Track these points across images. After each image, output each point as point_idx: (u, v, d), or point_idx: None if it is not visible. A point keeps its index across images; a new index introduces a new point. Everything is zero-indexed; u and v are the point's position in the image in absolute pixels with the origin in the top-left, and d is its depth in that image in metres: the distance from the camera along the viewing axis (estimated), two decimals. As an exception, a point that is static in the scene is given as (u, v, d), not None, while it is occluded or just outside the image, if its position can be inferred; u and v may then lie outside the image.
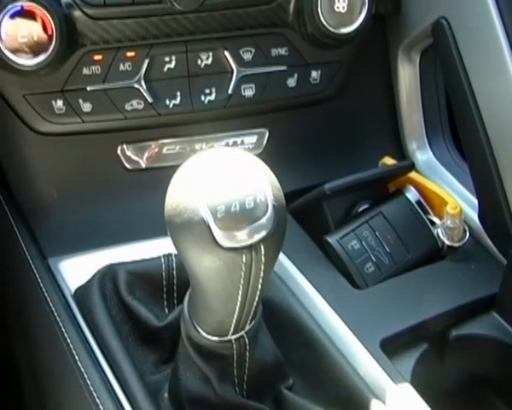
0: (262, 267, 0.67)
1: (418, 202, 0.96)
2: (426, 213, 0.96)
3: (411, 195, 0.96)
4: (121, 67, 0.94)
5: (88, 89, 0.94)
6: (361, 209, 0.96)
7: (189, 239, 0.65)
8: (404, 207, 0.95)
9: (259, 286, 0.68)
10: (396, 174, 0.97)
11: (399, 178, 0.98)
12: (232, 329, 0.73)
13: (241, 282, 0.67)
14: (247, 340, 0.75)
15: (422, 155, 1.06)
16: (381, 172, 0.97)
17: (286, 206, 0.69)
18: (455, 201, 0.95)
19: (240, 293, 0.68)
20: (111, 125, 0.96)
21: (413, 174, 0.99)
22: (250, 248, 0.65)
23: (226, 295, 0.69)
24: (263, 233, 0.65)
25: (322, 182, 0.99)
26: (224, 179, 0.64)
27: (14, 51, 0.86)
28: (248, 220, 0.64)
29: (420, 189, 0.97)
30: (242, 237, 0.64)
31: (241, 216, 0.64)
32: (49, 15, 0.85)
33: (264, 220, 0.65)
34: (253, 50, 0.97)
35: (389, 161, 1.01)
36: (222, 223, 0.64)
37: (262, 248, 0.65)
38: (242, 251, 0.65)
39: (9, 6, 0.84)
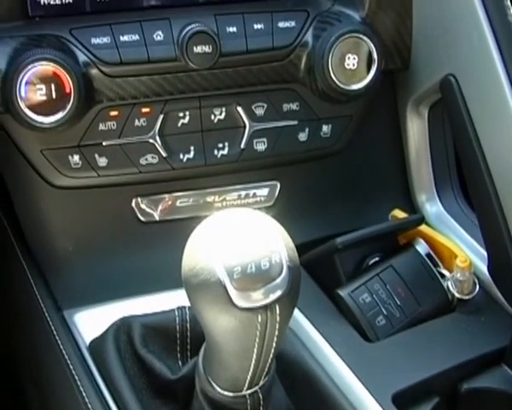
0: (277, 326, 0.68)
1: (428, 255, 0.97)
2: (436, 265, 0.97)
3: (421, 248, 0.98)
4: (136, 123, 0.96)
5: (104, 144, 0.96)
6: (372, 262, 0.98)
7: (206, 299, 0.67)
8: (415, 260, 0.97)
9: (274, 344, 0.70)
10: (406, 228, 0.99)
11: (409, 231, 1.00)
12: (247, 385, 0.74)
13: (257, 340, 0.68)
14: (260, 395, 0.76)
15: (432, 206, 1.07)
16: (392, 226, 0.99)
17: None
18: (464, 254, 0.96)
19: (255, 351, 0.69)
20: (126, 179, 0.98)
21: (423, 227, 1.00)
22: (265, 307, 0.66)
23: (241, 353, 0.70)
24: (278, 293, 0.66)
25: (333, 234, 1.01)
26: (239, 241, 0.66)
27: (33, 109, 0.88)
28: (264, 281, 0.66)
29: (430, 241, 0.98)
30: (258, 297, 0.66)
31: (256, 277, 0.65)
32: (67, 74, 0.88)
33: (279, 281, 0.66)
34: (265, 105, 0.99)
35: (399, 213, 1.03)
36: (238, 284, 0.65)
37: (277, 307, 0.67)
38: (258, 311, 0.66)
39: (30, 66, 0.87)
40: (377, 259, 0.98)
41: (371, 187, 1.10)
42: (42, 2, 0.93)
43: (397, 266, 0.96)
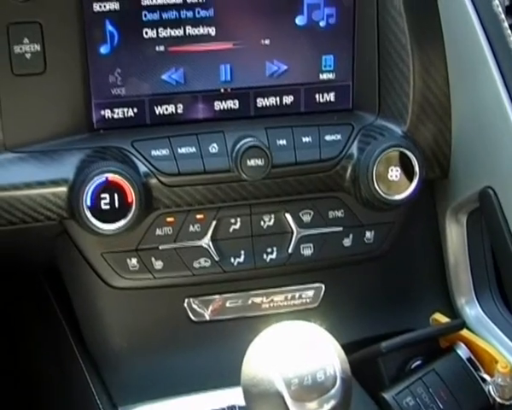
0: (330, 434, 0.72)
1: (469, 359, 1.00)
2: (477, 369, 1.00)
3: (462, 352, 1.01)
4: (191, 228, 1.02)
5: (160, 248, 1.02)
6: (414, 365, 1.01)
7: (264, 408, 0.71)
8: (456, 364, 1.00)
9: (327, 450, 0.73)
10: (447, 332, 1.03)
11: (450, 335, 1.03)
12: None
13: (311, 447, 0.72)
14: None
15: (471, 310, 1.11)
16: (434, 331, 1.03)
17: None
18: (505, 359, 0.99)
19: (309, 456, 0.73)
20: (179, 281, 1.04)
21: (463, 331, 1.04)
22: (320, 417, 0.71)
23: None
24: (332, 403, 0.70)
25: (376, 335, 1.05)
26: (296, 353, 0.71)
27: (97, 217, 0.95)
28: (319, 392, 0.70)
29: (470, 346, 1.02)
30: (313, 407, 0.70)
31: (312, 388, 0.70)
32: (129, 185, 0.94)
33: (333, 391, 0.70)
34: (312, 213, 1.05)
35: (440, 317, 1.07)
36: (295, 394, 0.70)
37: (330, 417, 0.71)
38: (313, 420, 0.71)
39: (96, 178, 0.94)
40: (420, 362, 1.01)
41: (412, 290, 1.14)
42: (106, 116, 1.01)
43: (439, 369, 0.99)
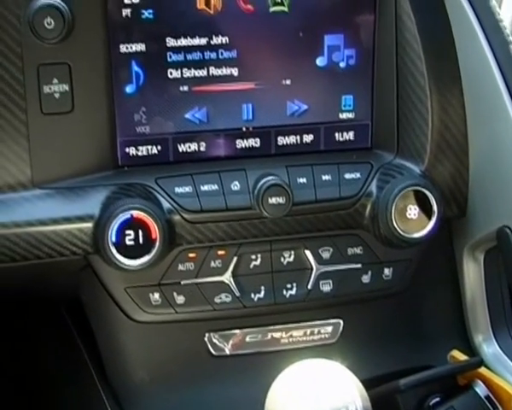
0: None
1: (487, 397, 1.01)
2: (495, 408, 1.00)
3: (480, 389, 1.01)
4: (212, 264, 1.04)
5: (182, 283, 1.04)
6: (432, 402, 1.02)
7: (287, 445, 0.73)
8: (474, 402, 1.00)
9: None
10: (465, 370, 1.03)
11: (468, 373, 1.04)
12: None
13: None
14: None
15: (488, 347, 1.11)
16: (452, 369, 1.03)
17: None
18: (522, 397, 1.00)
19: None
20: (200, 316, 1.05)
21: (481, 368, 1.04)
22: (341, 454, 0.72)
23: None
24: (353, 441, 0.72)
25: (394, 371, 1.06)
26: (319, 391, 0.72)
27: (122, 252, 0.97)
28: (341, 430, 0.72)
29: (488, 383, 1.02)
30: (335, 445, 0.72)
31: (335, 426, 0.71)
32: (154, 222, 0.97)
33: (354, 430, 0.72)
34: (331, 249, 1.07)
35: (458, 354, 1.07)
36: (318, 432, 0.71)
37: (351, 454, 0.72)
38: (334, 457, 0.72)
39: (121, 214, 0.96)
40: (438, 399, 1.02)
41: (430, 327, 1.15)
42: (130, 154, 1.04)
43: (457, 407, 0.99)
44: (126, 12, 0.99)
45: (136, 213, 0.96)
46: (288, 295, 1.07)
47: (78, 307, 1.13)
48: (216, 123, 1.05)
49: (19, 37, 0.94)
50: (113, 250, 0.96)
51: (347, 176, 1.05)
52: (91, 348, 1.13)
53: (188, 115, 1.04)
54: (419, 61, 1.03)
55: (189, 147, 1.05)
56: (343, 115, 1.08)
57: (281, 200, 1.00)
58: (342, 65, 1.06)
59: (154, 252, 0.97)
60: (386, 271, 1.09)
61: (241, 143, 1.06)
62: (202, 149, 1.05)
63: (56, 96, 0.97)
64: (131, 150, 1.04)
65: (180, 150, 1.05)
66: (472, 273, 1.12)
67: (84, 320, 1.13)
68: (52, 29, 0.93)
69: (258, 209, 1.01)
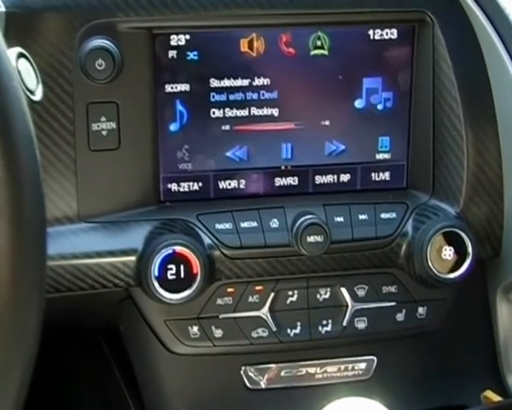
0: None
1: (521, 439, 1.02)
2: (528, 449, 1.02)
3: (514, 430, 1.03)
4: (250, 299, 1.07)
5: (220, 317, 1.06)
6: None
7: None
8: (507, 443, 1.02)
9: None
10: (499, 411, 1.05)
11: (502, 412, 1.06)
12: None
13: None
14: None
15: (522, 389, 1.13)
16: (485, 409, 1.05)
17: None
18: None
19: None
20: (237, 350, 1.08)
21: (515, 409, 1.06)
22: None
23: None
24: None
25: (427, 409, 1.08)
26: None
27: (164, 286, 0.99)
28: None
29: (521, 424, 1.04)
30: None
31: None
32: (195, 257, 0.99)
33: None
34: (367, 288, 1.09)
35: (491, 394, 1.09)
36: None
37: None
38: None
39: (164, 250, 0.99)
40: (473, 442, 1.04)
41: (463, 366, 1.16)
42: (172, 190, 1.07)
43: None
44: (172, 53, 1.03)
45: (178, 248, 0.99)
46: (323, 332, 1.08)
47: (115, 336, 1.16)
48: (256, 161, 1.08)
49: (70, 77, 0.98)
50: (156, 284, 0.99)
51: (383, 216, 1.07)
52: (128, 378, 1.15)
53: (229, 153, 1.07)
54: (455, 105, 1.06)
55: (229, 184, 1.08)
56: (379, 156, 1.10)
57: (319, 238, 1.02)
58: (380, 107, 1.09)
59: (194, 287, 1.00)
60: (421, 309, 1.10)
61: (279, 181, 1.09)
62: (242, 186, 1.08)
63: (104, 133, 1.01)
64: (173, 186, 1.07)
65: (220, 187, 1.08)
66: (505, 314, 1.13)
67: (122, 350, 1.16)
68: (103, 70, 0.97)
69: (296, 247, 1.03)
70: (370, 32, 1.06)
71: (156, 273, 0.99)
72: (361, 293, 1.09)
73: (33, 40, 0.96)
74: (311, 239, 1.02)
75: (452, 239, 1.04)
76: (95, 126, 1.00)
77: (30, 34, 0.96)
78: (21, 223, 0.59)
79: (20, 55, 0.81)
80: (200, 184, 1.07)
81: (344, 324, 1.08)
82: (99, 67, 0.97)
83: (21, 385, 0.62)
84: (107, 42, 0.97)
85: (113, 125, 1.01)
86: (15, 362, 0.61)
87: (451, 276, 1.04)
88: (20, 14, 0.96)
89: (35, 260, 0.61)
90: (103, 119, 1.00)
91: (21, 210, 0.59)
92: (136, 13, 0.98)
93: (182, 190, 1.07)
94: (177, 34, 1.02)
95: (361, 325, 1.09)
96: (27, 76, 0.80)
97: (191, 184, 1.07)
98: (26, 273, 0.60)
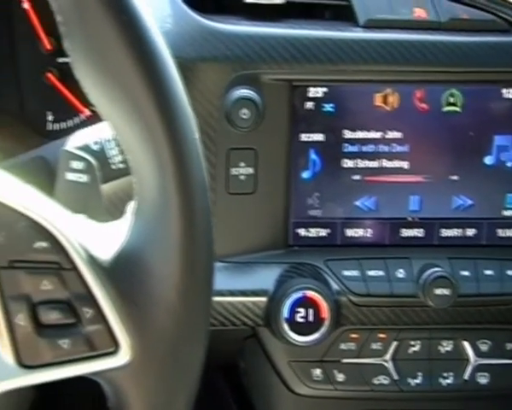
0: None
1: None
2: None
3: None
4: (373, 346, 1.09)
5: (343, 361, 1.09)
6: None
7: None
8: None
9: None
10: None
11: None
12: None
13: None
14: None
15: None
16: None
17: None
18: None
19: None
20: (358, 395, 1.10)
21: None
22: None
23: None
24: None
25: None
26: None
27: (292, 328, 1.03)
28: None
29: None
30: None
31: None
32: (324, 302, 1.02)
33: None
34: (490, 343, 1.09)
35: None
36: None
37: None
38: None
39: (294, 293, 1.03)
40: None
41: None
42: (301, 235, 1.10)
43: None
44: (309, 105, 1.07)
45: (309, 292, 1.02)
46: (444, 384, 1.09)
47: (234, 372, 1.20)
48: (383, 211, 1.10)
49: (214, 123, 1.03)
50: (285, 326, 1.02)
51: (509, 273, 1.08)
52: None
53: (358, 202, 1.10)
54: None
55: (356, 232, 1.11)
56: (506, 212, 1.11)
57: (446, 292, 1.03)
58: (509, 164, 1.10)
59: (322, 331, 1.03)
60: None
61: (405, 232, 1.11)
62: (368, 234, 1.11)
63: (242, 177, 1.06)
64: (302, 231, 1.10)
65: (347, 235, 1.10)
66: None
67: (240, 385, 1.20)
68: (246, 119, 1.02)
69: (422, 298, 1.05)
70: (504, 90, 1.07)
71: (286, 315, 1.03)
72: (484, 348, 1.09)
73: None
74: (438, 292, 1.03)
75: None
76: (234, 171, 1.05)
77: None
78: (195, 265, 0.64)
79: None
80: (329, 230, 1.10)
81: (465, 377, 1.09)
82: (243, 116, 1.02)
83: None
84: (252, 92, 1.02)
85: (250, 170, 1.05)
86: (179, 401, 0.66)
87: None
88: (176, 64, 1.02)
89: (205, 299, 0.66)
90: (242, 164, 1.05)
91: (195, 250, 0.64)
92: (279, 65, 1.03)
93: (310, 235, 1.10)
94: (314, 87, 1.06)
95: (483, 380, 1.09)
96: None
97: (319, 230, 1.10)
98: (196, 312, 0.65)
